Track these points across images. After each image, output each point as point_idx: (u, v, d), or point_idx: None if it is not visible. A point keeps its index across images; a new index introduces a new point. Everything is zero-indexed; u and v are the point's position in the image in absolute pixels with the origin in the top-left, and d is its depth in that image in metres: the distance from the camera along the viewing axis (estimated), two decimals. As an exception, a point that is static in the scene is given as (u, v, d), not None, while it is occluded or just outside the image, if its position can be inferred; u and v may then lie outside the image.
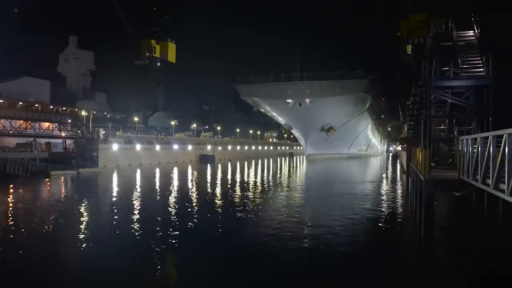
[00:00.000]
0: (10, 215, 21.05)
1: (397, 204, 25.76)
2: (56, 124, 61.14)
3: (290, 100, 77.54)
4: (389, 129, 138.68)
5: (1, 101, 71.56)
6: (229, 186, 36.02)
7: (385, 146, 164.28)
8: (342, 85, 73.93)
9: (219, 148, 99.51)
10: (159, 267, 12.56)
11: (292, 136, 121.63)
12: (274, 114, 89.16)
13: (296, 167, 70.86)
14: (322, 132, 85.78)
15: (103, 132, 63.92)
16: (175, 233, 16.71)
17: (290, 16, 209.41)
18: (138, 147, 68.75)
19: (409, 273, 12.75)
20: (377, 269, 12.48)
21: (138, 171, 51.77)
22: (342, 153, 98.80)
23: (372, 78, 75.71)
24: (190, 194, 30.93)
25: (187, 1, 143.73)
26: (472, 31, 22.22)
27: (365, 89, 75.34)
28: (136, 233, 16.92)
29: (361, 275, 11.86)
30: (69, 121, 68.85)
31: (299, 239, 15.66)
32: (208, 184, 37.99)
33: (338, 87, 73.97)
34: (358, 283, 11.34)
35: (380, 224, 19.37)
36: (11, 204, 24.91)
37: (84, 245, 15.03)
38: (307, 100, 76.14)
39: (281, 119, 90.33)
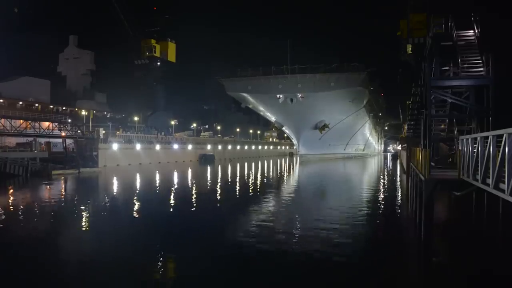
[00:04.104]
0: (9, 215, 21.05)
1: (397, 204, 25.77)
2: (56, 123, 61.13)
3: (280, 96, 71.75)
4: (386, 128, 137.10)
5: (1, 101, 71.57)
6: (221, 190, 36.03)
7: (382, 145, 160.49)
8: (337, 79, 68.31)
9: (219, 147, 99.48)
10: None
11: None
12: (263, 110, 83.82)
13: (292, 170, 70.79)
14: (316, 131, 79.86)
15: (103, 131, 63.82)
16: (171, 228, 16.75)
17: (284, 9, 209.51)
18: (138, 146, 68.72)
19: (409, 273, 12.75)
20: (377, 269, 12.48)
21: (138, 171, 51.78)
22: (338, 153, 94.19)
23: (370, 71, 70.12)
24: (186, 193, 30.95)
25: (187, 1, 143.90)
26: (472, 31, 22.26)
27: (363, 83, 69.81)
28: (135, 232, 16.95)
29: (361, 275, 11.86)
30: (69, 120, 68.85)
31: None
32: (205, 186, 38.00)
33: (333, 80, 68.27)
34: (357, 282, 11.35)
35: (380, 224, 19.38)
36: (11, 204, 24.92)
37: (84, 244, 15.06)
38: (299, 95, 70.72)
39: (271, 116, 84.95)
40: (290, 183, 41.38)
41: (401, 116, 73.18)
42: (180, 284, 11.24)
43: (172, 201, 26.46)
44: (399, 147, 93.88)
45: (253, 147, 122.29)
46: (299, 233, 16.87)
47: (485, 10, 23.16)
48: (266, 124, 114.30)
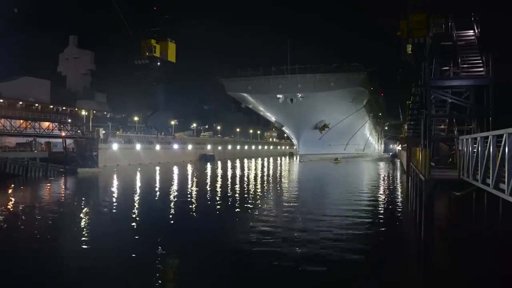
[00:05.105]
0: (10, 214, 21.06)
1: (397, 204, 25.77)
2: (56, 123, 61.08)
3: (280, 96, 71.80)
4: (386, 128, 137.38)
5: (1, 101, 71.57)
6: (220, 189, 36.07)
7: (383, 145, 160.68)
8: (337, 79, 68.52)
9: (219, 147, 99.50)
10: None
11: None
12: (263, 110, 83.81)
13: (292, 169, 70.81)
14: (316, 131, 79.77)
15: (103, 131, 63.82)
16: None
17: (284, 9, 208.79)
18: (138, 146, 68.72)
19: (409, 273, 12.75)
20: (377, 269, 12.47)
21: (138, 171, 51.77)
22: (338, 153, 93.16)
23: (370, 71, 70.33)
24: (182, 191, 30.95)
25: (187, 1, 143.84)
26: (472, 31, 22.25)
27: (363, 83, 70.11)
28: (134, 231, 16.97)
29: (361, 275, 11.86)
30: (69, 120, 68.80)
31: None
32: (204, 185, 38.01)
33: (333, 81, 68.45)
34: (357, 283, 11.34)
35: (379, 224, 19.36)
36: (11, 204, 24.93)
37: (83, 241, 15.08)
38: (299, 96, 70.69)
39: (271, 116, 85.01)
40: (291, 181, 41.35)
41: (401, 116, 73.17)
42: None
43: (163, 200, 26.48)
44: (398, 147, 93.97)
45: (253, 147, 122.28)
46: (298, 232, 16.86)
47: (485, 10, 23.14)
48: (266, 124, 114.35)
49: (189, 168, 60.41)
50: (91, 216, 21.25)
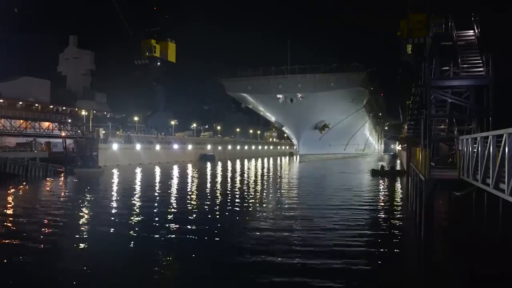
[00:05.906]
0: (9, 214, 21.06)
1: (397, 204, 25.76)
2: (56, 123, 61.17)
3: (280, 96, 71.97)
4: (386, 128, 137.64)
5: (1, 101, 71.64)
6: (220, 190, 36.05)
7: (383, 145, 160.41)
8: (337, 79, 68.69)
9: (219, 147, 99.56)
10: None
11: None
12: (263, 110, 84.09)
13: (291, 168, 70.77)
14: (316, 131, 79.84)
15: (103, 131, 63.82)
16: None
17: (284, 9, 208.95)
18: (138, 146, 68.74)
19: (409, 273, 12.75)
20: (377, 269, 12.46)
21: (138, 171, 51.78)
22: (338, 153, 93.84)
23: (370, 71, 70.60)
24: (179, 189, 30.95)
25: (187, 1, 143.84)
26: (472, 31, 22.27)
27: (363, 83, 70.41)
28: (134, 230, 16.98)
29: (361, 276, 11.85)
30: (69, 120, 68.90)
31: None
32: (204, 184, 38.00)
33: (333, 81, 68.64)
34: (357, 282, 11.33)
35: (379, 224, 19.36)
36: (10, 204, 24.95)
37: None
38: (299, 96, 70.80)
39: (271, 116, 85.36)
40: (291, 174, 41.39)
41: (401, 116, 73.26)
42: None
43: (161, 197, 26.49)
44: (399, 147, 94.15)
45: (253, 147, 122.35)
46: (298, 231, 16.85)
47: (485, 10, 23.16)
48: (266, 124, 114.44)
49: (190, 168, 60.40)
50: (91, 216, 21.25)
